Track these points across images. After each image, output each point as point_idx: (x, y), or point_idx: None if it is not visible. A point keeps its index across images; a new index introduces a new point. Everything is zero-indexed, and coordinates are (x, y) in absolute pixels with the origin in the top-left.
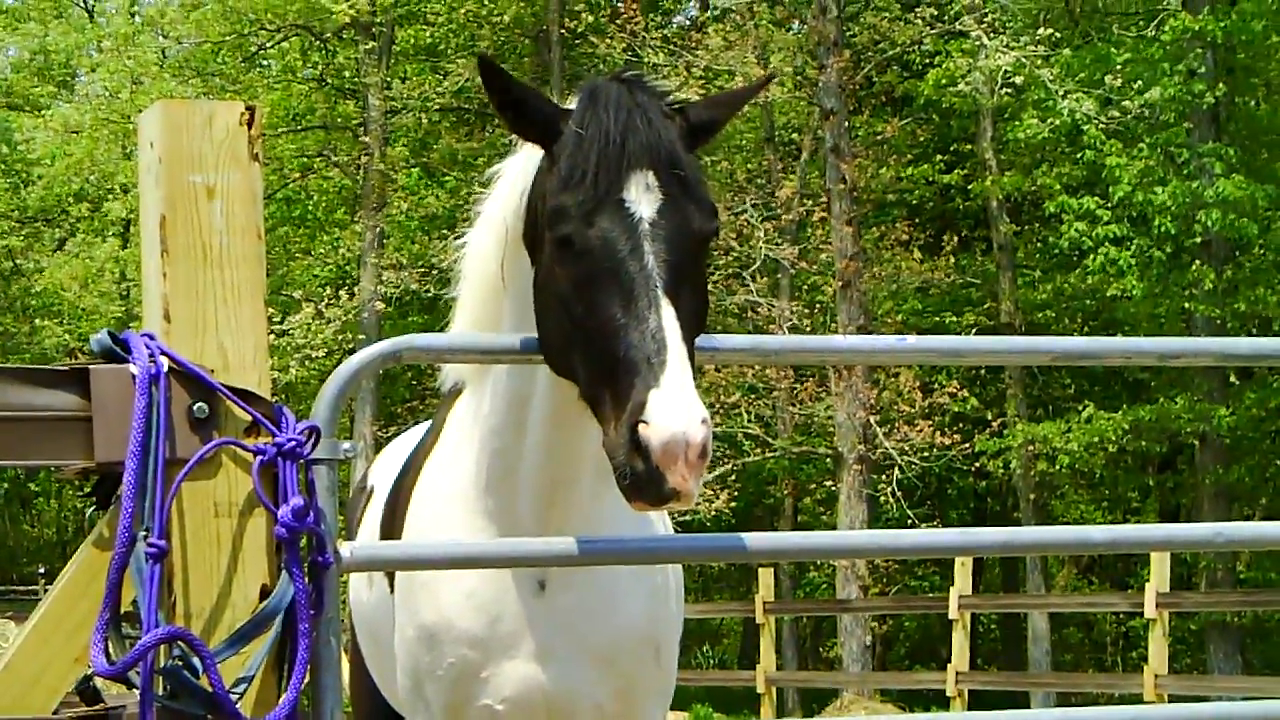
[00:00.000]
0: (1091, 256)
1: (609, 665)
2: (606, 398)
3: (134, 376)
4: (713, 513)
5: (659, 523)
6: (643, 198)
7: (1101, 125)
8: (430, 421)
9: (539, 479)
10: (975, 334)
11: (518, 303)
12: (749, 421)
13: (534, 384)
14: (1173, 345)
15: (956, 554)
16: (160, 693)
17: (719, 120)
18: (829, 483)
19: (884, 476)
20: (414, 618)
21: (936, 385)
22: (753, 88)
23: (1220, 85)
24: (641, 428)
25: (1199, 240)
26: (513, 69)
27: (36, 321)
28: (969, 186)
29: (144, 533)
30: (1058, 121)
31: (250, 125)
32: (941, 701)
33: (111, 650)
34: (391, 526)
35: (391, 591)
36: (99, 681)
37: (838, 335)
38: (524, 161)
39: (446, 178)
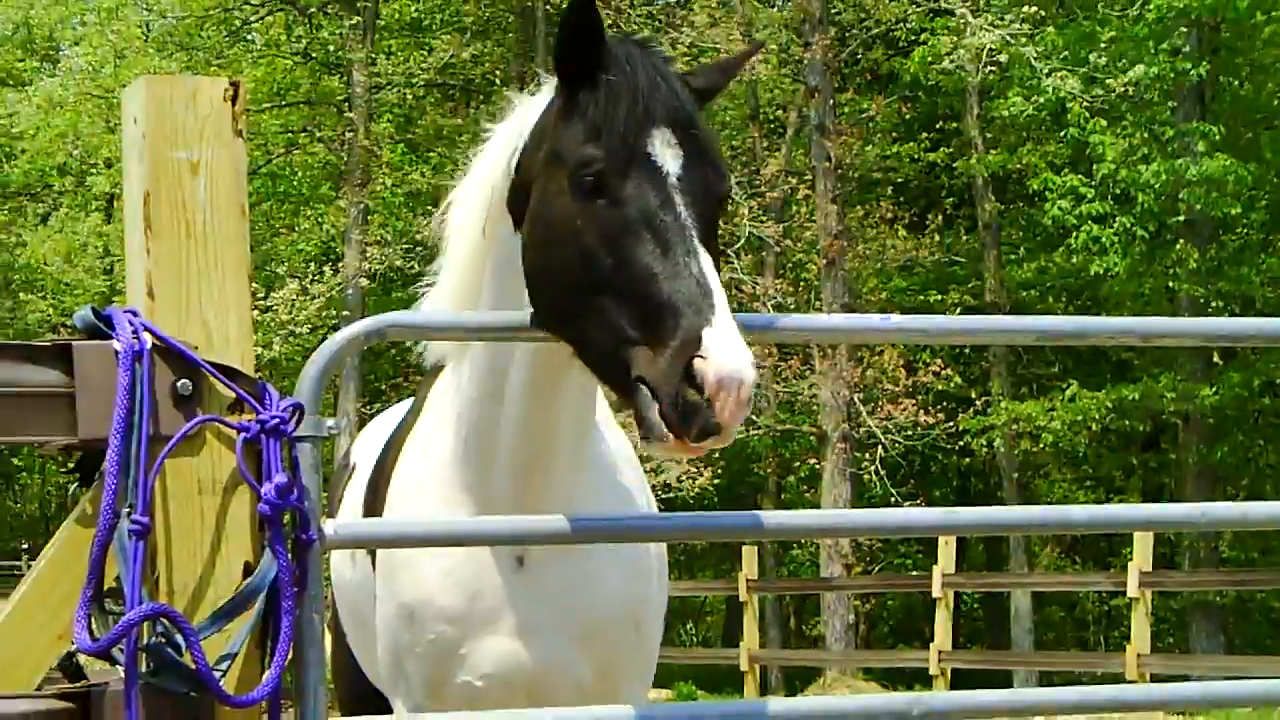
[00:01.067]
0: (1075, 234)
1: (589, 641)
2: (641, 341)
3: (117, 353)
4: (696, 490)
5: (641, 498)
6: (666, 154)
7: (1086, 103)
8: (413, 399)
9: (516, 452)
10: (960, 312)
11: (499, 269)
12: None
13: (511, 356)
14: (1157, 325)
15: (939, 533)
16: (143, 669)
17: (715, 87)
18: (812, 461)
19: (868, 455)
20: (394, 595)
21: (920, 364)
22: (743, 55)
23: (1204, 64)
24: (698, 361)
25: (1182, 219)
26: (496, 45)
27: (20, 296)
28: (954, 164)
29: (127, 509)
30: (1042, 99)
31: (234, 101)
32: (924, 680)
33: (95, 627)
34: (374, 504)
35: (373, 570)
36: (82, 658)
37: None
38: (511, 130)
39: (431, 154)
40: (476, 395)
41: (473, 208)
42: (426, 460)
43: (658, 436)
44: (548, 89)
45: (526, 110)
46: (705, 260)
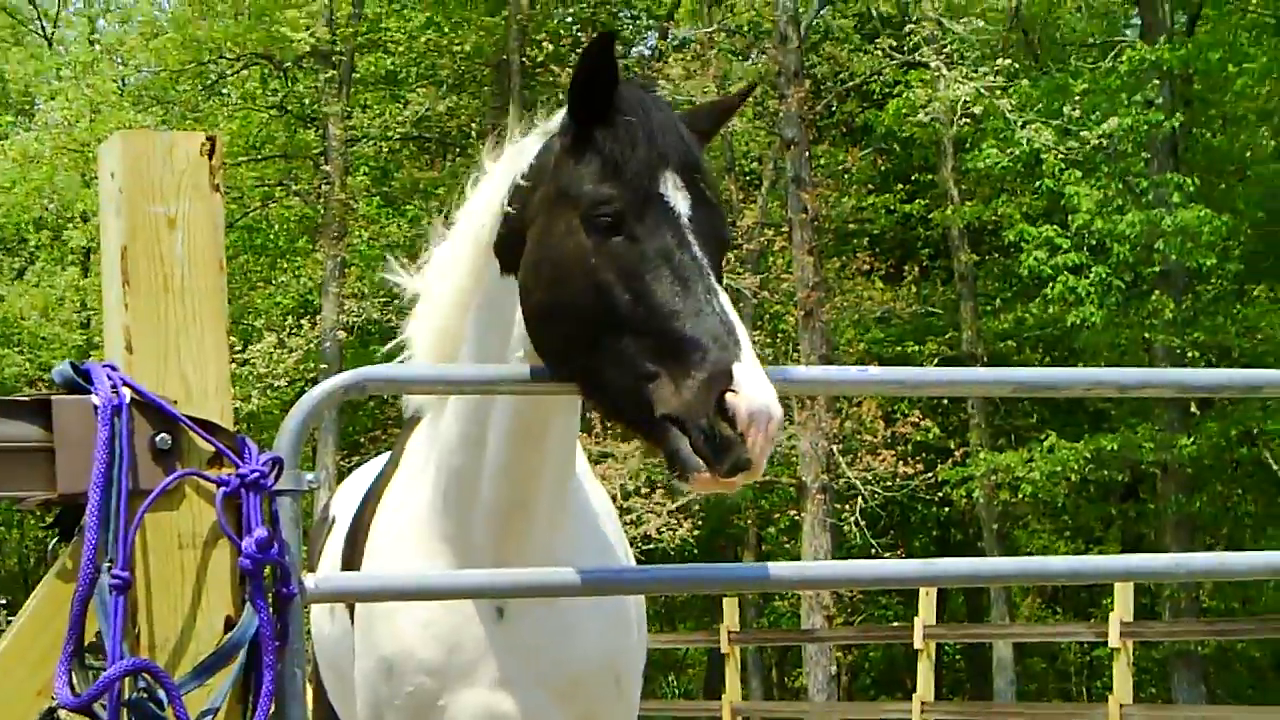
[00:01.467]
0: (1051, 285)
1: (569, 695)
2: (665, 378)
3: (96, 408)
4: (676, 541)
5: (620, 550)
6: (678, 196)
7: (1060, 155)
8: (391, 451)
9: (497, 500)
10: (937, 363)
11: (482, 312)
12: None
13: (493, 402)
14: (1133, 376)
15: (921, 584)
16: None
17: (714, 129)
18: (792, 512)
19: (847, 506)
20: (373, 649)
21: (899, 415)
22: (741, 94)
23: (1177, 115)
24: (730, 396)
25: (1158, 269)
26: (472, 97)
27: None
28: (930, 216)
29: (107, 564)
30: (1017, 151)
31: (211, 155)
32: None
33: (76, 683)
34: (352, 557)
35: (352, 624)
36: (63, 714)
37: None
38: (501, 173)
39: (407, 207)
40: (457, 443)
41: (461, 250)
42: (404, 512)
43: (693, 469)
44: (536, 135)
45: (516, 154)
46: (724, 298)
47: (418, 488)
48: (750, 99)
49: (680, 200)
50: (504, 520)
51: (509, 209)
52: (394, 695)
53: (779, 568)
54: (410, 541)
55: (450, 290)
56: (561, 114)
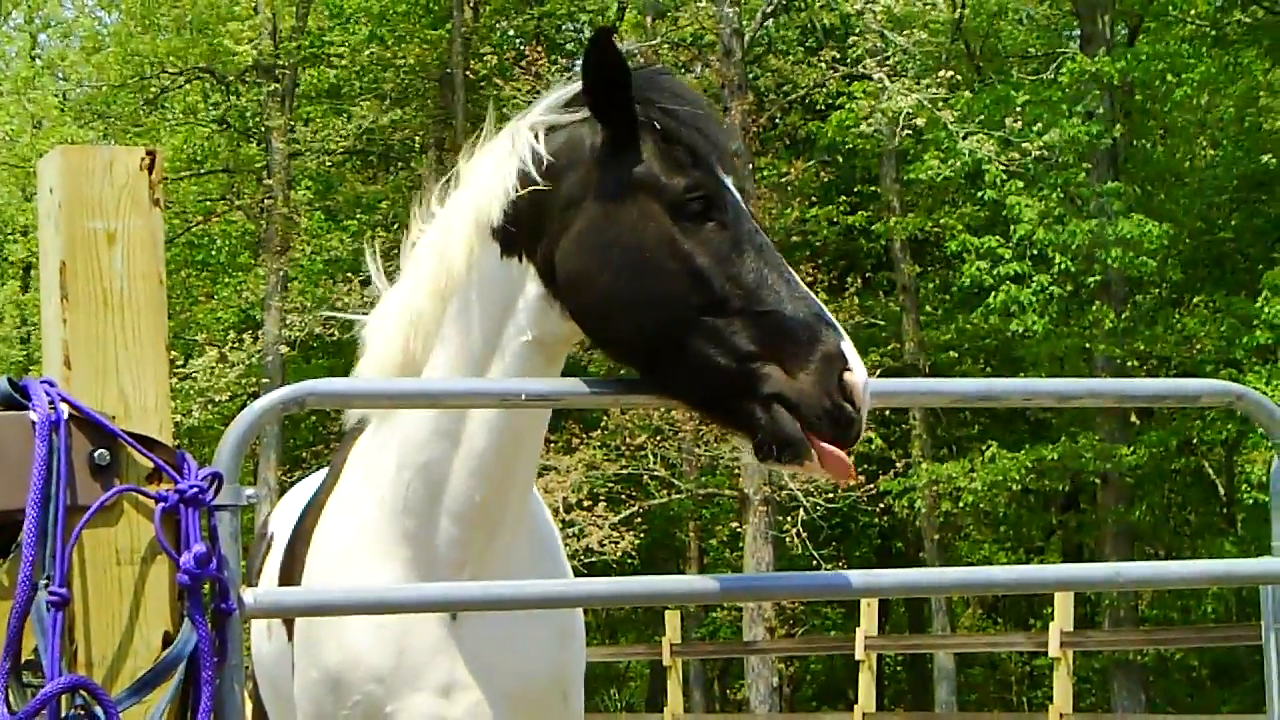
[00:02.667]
0: (993, 294)
1: (517, 702)
2: (771, 358)
3: (34, 423)
4: (618, 554)
5: (564, 559)
6: (730, 182)
7: (1002, 166)
8: (330, 464)
9: (467, 497)
10: (880, 374)
11: (478, 298)
12: (654, 464)
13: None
14: (1072, 386)
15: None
16: None
17: None
18: (734, 524)
19: (789, 517)
20: (316, 659)
21: None
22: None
23: (1118, 126)
24: (847, 374)
25: (1099, 279)
26: (416, 111)
27: None
28: (872, 227)
29: (45, 581)
30: (959, 162)
31: (151, 170)
32: None
33: (12, 700)
34: (290, 572)
35: (290, 640)
36: None
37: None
38: (501, 159)
39: (349, 221)
40: (427, 438)
41: (456, 236)
42: (352, 517)
43: (803, 455)
44: (537, 120)
45: (517, 135)
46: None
47: (368, 492)
48: None
49: (734, 187)
50: (472, 519)
51: (520, 193)
52: (339, 706)
53: (730, 580)
54: (363, 545)
55: (432, 277)
56: (560, 93)
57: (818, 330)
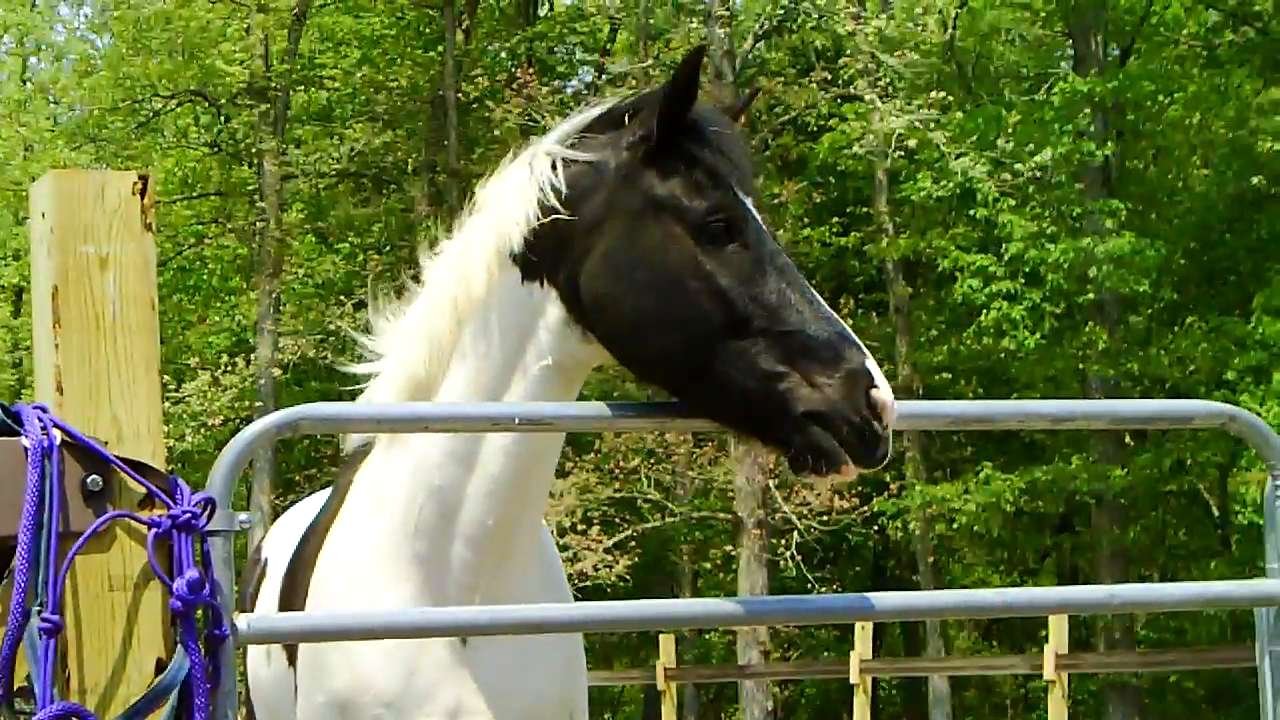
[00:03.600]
0: (985, 312)
1: None
2: (798, 376)
3: (26, 449)
4: (613, 578)
5: (566, 584)
6: (753, 207)
7: (994, 186)
8: (330, 488)
9: (481, 521)
10: None
11: (497, 323)
12: (648, 487)
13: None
14: (1066, 408)
15: (857, 618)
16: None
17: None
18: (728, 547)
19: (783, 540)
20: (323, 684)
21: None
22: (747, 98)
23: (1110, 145)
24: (874, 391)
25: (1091, 298)
26: (408, 133)
27: None
28: (865, 249)
29: (37, 608)
30: (951, 183)
31: (143, 195)
32: None
33: None
34: (292, 598)
35: (290, 664)
36: None
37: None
38: (520, 184)
39: (341, 245)
40: (441, 460)
41: (475, 259)
42: (363, 541)
43: (840, 461)
44: (557, 143)
45: (534, 160)
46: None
47: (378, 516)
48: None
49: (756, 211)
50: (485, 543)
51: (542, 221)
52: None
53: (725, 603)
54: (373, 568)
55: (450, 301)
56: (578, 119)
57: (841, 349)
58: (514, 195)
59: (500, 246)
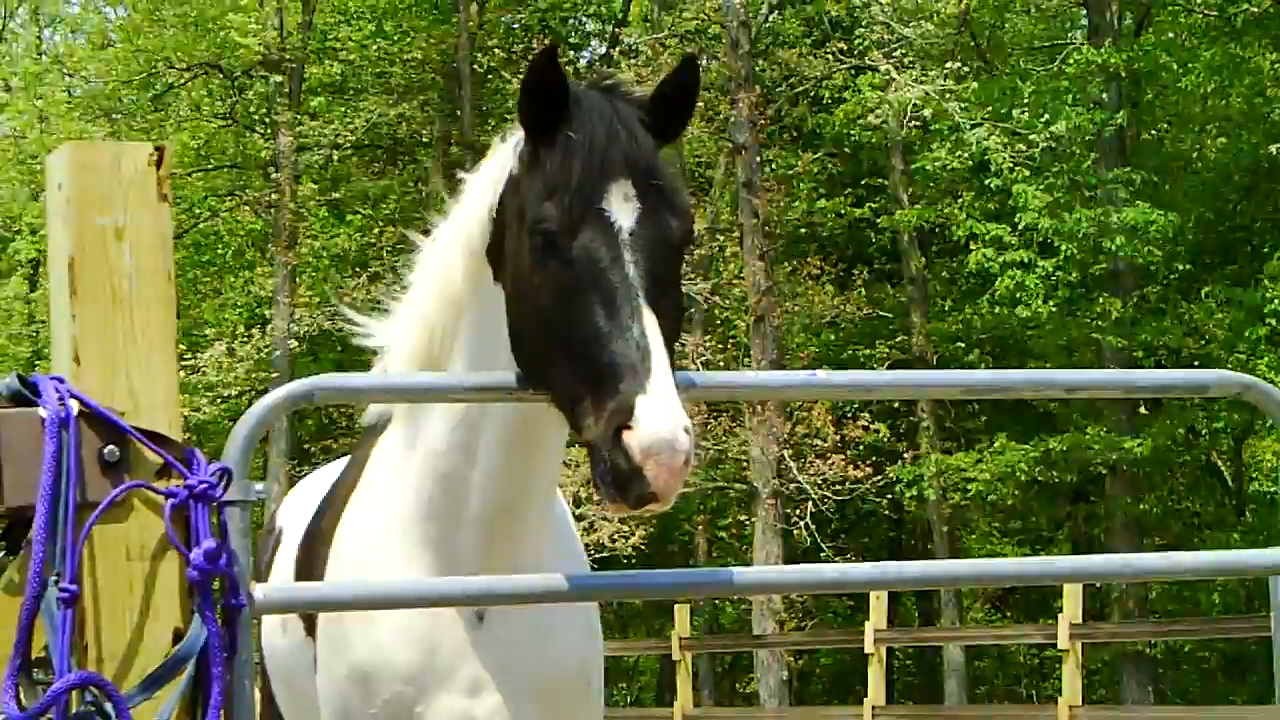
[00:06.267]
0: (999, 281)
1: (545, 700)
2: (588, 403)
3: (43, 420)
4: (629, 549)
5: (584, 558)
6: (622, 208)
7: (1009, 156)
8: (348, 458)
9: (487, 505)
10: (888, 366)
11: (480, 319)
12: None
13: (486, 407)
14: (1079, 378)
15: (874, 588)
16: None
17: (679, 120)
18: (743, 517)
19: (798, 510)
20: (344, 656)
21: (849, 418)
22: (681, 69)
23: (1123, 115)
24: (626, 433)
25: (1106, 268)
26: (422, 105)
27: None
28: (879, 220)
29: (55, 577)
30: (965, 153)
31: (159, 166)
32: None
33: (23, 697)
34: (310, 568)
35: (308, 633)
36: None
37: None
38: (488, 179)
39: (353, 216)
40: (445, 447)
41: (452, 255)
42: (377, 518)
43: (607, 498)
44: (515, 139)
45: (504, 152)
46: (649, 321)
47: (392, 494)
48: (700, 104)
49: (624, 213)
50: (494, 525)
51: (495, 214)
52: (367, 705)
53: (743, 573)
54: (387, 547)
55: (439, 293)
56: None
57: (620, 379)
58: (480, 190)
59: (470, 245)
